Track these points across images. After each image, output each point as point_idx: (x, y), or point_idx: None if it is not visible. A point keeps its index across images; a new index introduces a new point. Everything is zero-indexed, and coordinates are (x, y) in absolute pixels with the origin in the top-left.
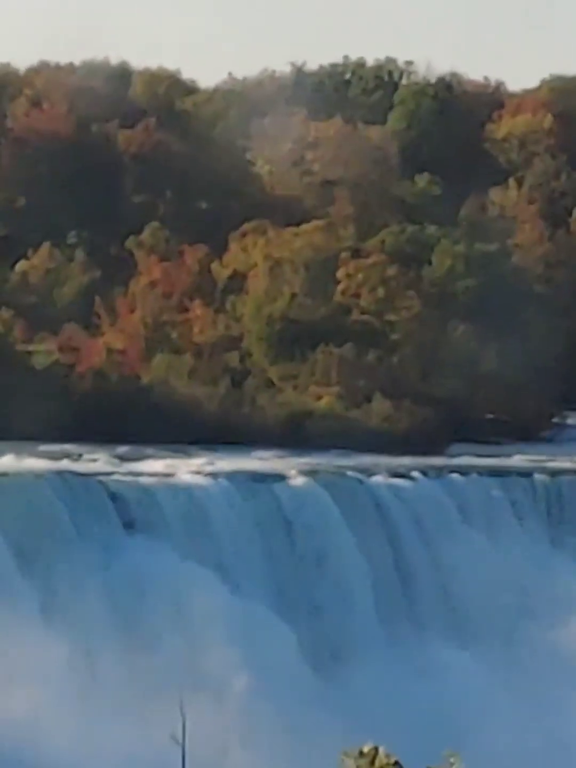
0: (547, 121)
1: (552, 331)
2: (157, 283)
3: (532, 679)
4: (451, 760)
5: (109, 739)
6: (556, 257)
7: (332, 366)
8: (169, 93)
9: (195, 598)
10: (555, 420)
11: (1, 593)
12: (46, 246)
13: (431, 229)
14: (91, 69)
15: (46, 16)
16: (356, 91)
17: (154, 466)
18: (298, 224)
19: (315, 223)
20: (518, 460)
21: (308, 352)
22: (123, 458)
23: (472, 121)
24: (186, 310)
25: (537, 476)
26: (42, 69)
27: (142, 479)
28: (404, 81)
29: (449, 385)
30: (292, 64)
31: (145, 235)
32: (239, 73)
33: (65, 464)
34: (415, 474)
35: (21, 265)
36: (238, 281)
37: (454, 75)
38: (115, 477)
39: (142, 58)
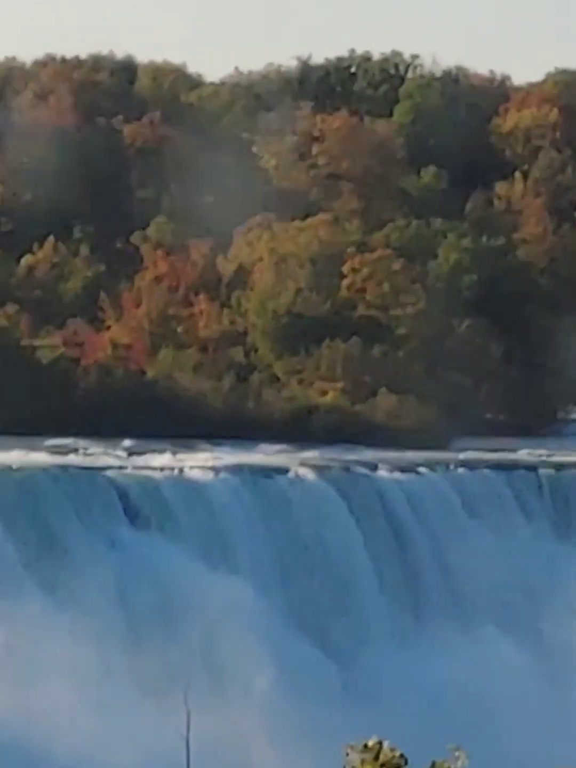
0: (553, 114)
1: (557, 325)
2: (162, 278)
3: (539, 671)
4: (456, 753)
5: (117, 733)
6: (562, 251)
7: (337, 361)
8: (174, 87)
9: (201, 592)
10: (560, 414)
11: (6, 588)
12: (51, 240)
13: (437, 224)
14: (97, 62)
15: (51, 10)
16: (362, 85)
17: (160, 460)
18: (303, 218)
19: (320, 217)
20: (524, 454)
21: (313, 347)
22: (128, 452)
23: (478, 114)
24: (191, 304)
25: (542, 470)
26: (47, 62)
27: (148, 473)
28: (410, 75)
29: (455, 380)
30: (298, 58)
31: (151, 229)
32: (245, 67)
33: (70, 459)
34: (421, 468)
35: (26, 260)
36: (243, 275)
37: (459, 68)
38: (121, 471)
39: (147, 52)
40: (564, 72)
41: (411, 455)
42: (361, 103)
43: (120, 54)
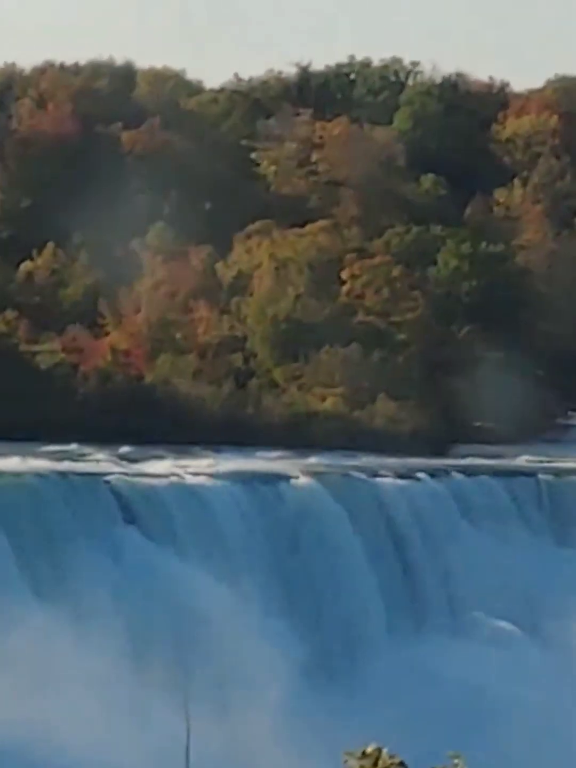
0: (552, 121)
1: (556, 331)
2: (161, 284)
3: (540, 677)
4: (455, 760)
5: (114, 737)
6: (561, 257)
7: (337, 367)
8: (173, 93)
9: (198, 598)
10: (559, 420)
11: (4, 593)
12: (50, 246)
13: (436, 230)
14: (96, 69)
15: (51, 17)
16: (361, 92)
17: (159, 466)
18: (303, 225)
19: (320, 223)
20: (523, 460)
21: (313, 353)
22: (127, 458)
23: (478, 121)
24: (190, 310)
25: (541, 476)
26: (47, 69)
27: (147, 479)
28: (410, 81)
29: (454, 386)
30: (298, 65)
31: (150, 235)
32: (244, 73)
33: (69, 464)
34: (420, 474)
35: (26, 266)
36: (242, 282)
37: (459, 75)
38: (120, 477)
39: (146, 59)
40: (563, 78)
41: (410, 461)
42: (360, 110)
43: (119, 60)
